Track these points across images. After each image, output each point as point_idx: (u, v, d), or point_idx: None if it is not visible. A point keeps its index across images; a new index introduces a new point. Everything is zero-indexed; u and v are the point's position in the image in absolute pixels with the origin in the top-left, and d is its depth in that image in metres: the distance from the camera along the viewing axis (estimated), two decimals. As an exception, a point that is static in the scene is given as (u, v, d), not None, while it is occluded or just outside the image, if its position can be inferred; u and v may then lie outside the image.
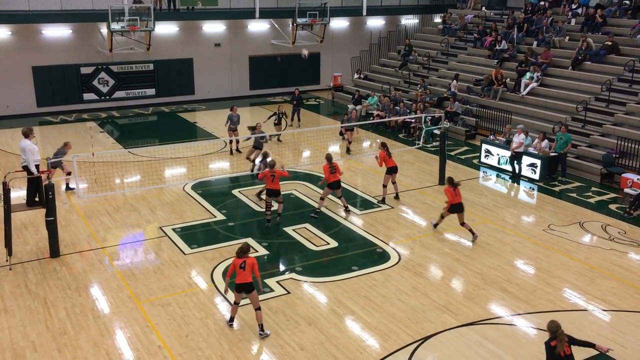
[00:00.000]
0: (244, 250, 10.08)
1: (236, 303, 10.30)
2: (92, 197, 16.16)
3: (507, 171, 18.84)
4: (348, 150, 20.82)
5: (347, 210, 15.43)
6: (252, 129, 19.20)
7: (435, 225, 14.47)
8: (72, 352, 9.71)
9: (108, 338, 10.11)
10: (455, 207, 13.81)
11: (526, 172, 18.40)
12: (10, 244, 12.48)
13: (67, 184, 16.87)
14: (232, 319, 10.44)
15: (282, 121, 22.44)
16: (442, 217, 14.30)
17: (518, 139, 18.48)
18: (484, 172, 19.24)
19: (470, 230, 13.90)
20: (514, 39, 25.80)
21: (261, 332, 10.13)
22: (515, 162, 18.44)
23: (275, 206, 14.84)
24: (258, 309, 10.14)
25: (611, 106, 20.56)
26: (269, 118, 22.48)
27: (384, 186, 16.16)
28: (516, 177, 18.41)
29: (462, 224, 13.93)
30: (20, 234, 14.02)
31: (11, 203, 12.61)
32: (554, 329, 7.97)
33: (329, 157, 14.99)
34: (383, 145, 16.07)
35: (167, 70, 28.32)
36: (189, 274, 12.31)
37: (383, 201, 16.15)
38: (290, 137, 22.72)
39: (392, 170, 16.04)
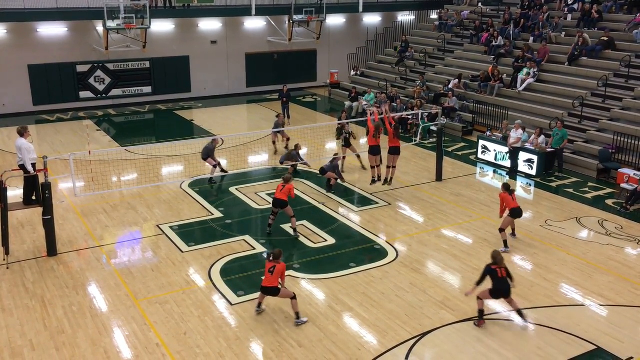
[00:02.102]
0: (276, 256, 10.34)
1: (260, 303, 10.66)
2: (89, 196, 16.14)
3: (505, 167, 18.86)
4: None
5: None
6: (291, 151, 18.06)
7: (506, 243, 13.28)
8: (70, 351, 9.71)
9: (106, 336, 10.11)
10: (516, 212, 13.25)
11: (523, 167, 18.43)
12: (7, 242, 12.47)
13: None
14: (259, 305, 10.71)
15: (351, 141, 18.70)
16: (503, 230, 13.29)
17: (516, 134, 18.52)
18: (481, 168, 19.26)
19: (505, 242, 13.29)
20: (510, 34, 25.81)
21: (297, 320, 10.42)
22: (513, 157, 18.52)
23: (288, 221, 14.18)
24: (293, 297, 10.43)
25: (607, 101, 20.60)
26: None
27: (388, 167, 15.94)
28: (514, 173, 18.45)
29: (513, 232, 13.74)
30: (17, 233, 13.99)
31: (8, 202, 12.59)
32: (496, 256, 10.27)
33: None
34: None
35: (164, 68, 28.27)
36: (187, 272, 12.31)
37: (385, 181, 15.93)
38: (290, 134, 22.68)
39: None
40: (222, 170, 17.70)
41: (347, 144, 18.52)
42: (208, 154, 17.34)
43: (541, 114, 21.43)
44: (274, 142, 20.62)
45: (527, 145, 18.56)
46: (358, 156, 18.83)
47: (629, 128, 18.61)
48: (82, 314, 10.78)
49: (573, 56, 22.76)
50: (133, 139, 22.72)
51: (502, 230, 13.31)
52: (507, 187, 13.47)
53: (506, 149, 18.78)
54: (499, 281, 10.13)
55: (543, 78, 22.95)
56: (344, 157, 18.48)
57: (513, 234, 13.89)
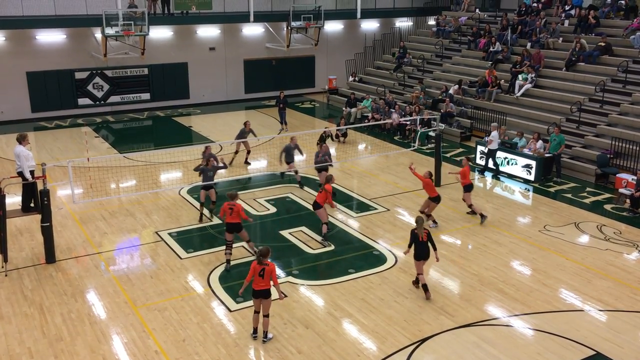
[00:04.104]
0: (263, 254, 9.80)
1: (257, 312, 10.12)
2: (88, 202, 16.12)
3: (503, 172, 18.90)
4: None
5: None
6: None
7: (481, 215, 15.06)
8: (69, 358, 9.68)
9: (105, 344, 10.08)
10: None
11: (521, 173, 18.46)
12: (5, 250, 12.44)
13: None
14: (255, 330, 10.22)
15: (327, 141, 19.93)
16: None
17: (491, 136, 18.99)
18: (479, 173, 19.27)
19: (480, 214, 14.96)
20: (507, 40, 25.89)
21: (264, 339, 10.09)
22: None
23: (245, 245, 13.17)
24: (266, 315, 10.05)
25: (605, 107, 20.64)
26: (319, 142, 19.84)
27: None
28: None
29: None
30: (15, 240, 13.97)
31: (6, 209, 12.57)
32: (417, 220, 11.41)
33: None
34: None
35: (162, 75, 28.30)
36: (186, 279, 12.29)
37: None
38: (283, 140, 22.70)
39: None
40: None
41: (322, 141, 19.40)
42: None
43: (539, 119, 21.48)
44: (236, 152, 19.51)
45: (525, 151, 18.61)
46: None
47: (627, 133, 18.65)
48: (81, 321, 10.75)
49: (570, 62, 22.84)
50: (131, 145, 22.72)
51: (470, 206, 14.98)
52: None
53: (504, 154, 18.82)
54: (419, 244, 11.27)
55: (541, 83, 23.01)
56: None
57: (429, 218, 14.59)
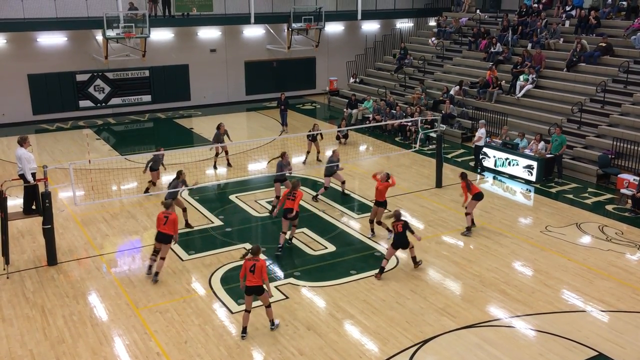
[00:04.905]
0: (254, 252, 10.01)
1: (247, 311, 10.17)
2: (89, 205, 16.13)
3: (505, 173, 18.90)
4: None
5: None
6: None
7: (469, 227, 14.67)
8: (71, 360, 9.69)
9: (106, 346, 10.08)
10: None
11: (523, 174, 18.45)
12: (7, 252, 12.46)
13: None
14: (244, 330, 10.27)
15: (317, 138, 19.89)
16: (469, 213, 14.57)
17: (478, 133, 19.10)
18: (480, 174, 19.26)
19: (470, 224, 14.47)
20: (508, 41, 25.89)
21: (272, 327, 10.39)
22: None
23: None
24: (268, 306, 10.31)
25: (606, 107, 20.63)
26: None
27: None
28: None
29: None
30: (17, 243, 13.98)
31: (8, 211, 12.58)
32: (394, 214, 12.41)
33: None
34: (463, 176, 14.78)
35: (163, 77, 28.34)
36: (187, 280, 12.29)
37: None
38: (284, 142, 22.73)
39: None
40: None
41: (313, 139, 19.65)
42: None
43: (540, 120, 21.47)
44: (217, 154, 19.48)
45: (527, 152, 18.60)
46: (318, 152, 20.09)
47: (628, 133, 18.63)
48: (83, 323, 10.75)
49: (571, 62, 22.82)
50: (133, 147, 22.74)
51: (467, 214, 14.50)
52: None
53: (506, 155, 18.82)
54: (397, 235, 12.22)
55: (542, 84, 23.00)
56: (308, 152, 19.90)
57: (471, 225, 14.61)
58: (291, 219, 13.27)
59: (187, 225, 14.78)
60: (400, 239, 12.17)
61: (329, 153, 17.41)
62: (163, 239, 12.03)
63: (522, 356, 9.76)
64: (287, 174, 16.06)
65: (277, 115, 25.11)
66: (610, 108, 20.50)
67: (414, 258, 12.67)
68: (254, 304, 11.16)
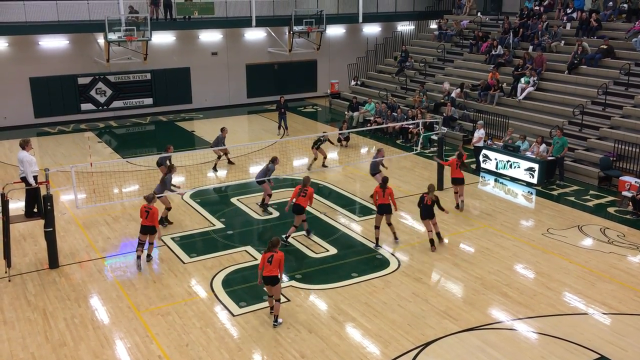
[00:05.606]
0: (273, 244, 10.46)
1: (270, 296, 10.68)
2: (91, 207, 16.14)
3: (506, 176, 18.89)
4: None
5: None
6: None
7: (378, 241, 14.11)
8: (72, 363, 9.69)
9: (108, 348, 10.08)
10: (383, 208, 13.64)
11: (524, 176, 18.44)
12: (9, 255, 12.45)
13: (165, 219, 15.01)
14: (276, 318, 10.67)
15: (322, 146, 19.90)
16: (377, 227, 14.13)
17: (477, 133, 19.15)
18: (482, 176, 19.26)
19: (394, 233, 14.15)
20: (509, 43, 25.90)
21: (275, 323, 10.59)
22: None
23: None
24: (278, 300, 10.56)
25: (608, 109, 20.62)
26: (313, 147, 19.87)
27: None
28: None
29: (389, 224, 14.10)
30: (19, 245, 13.99)
31: (10, 214, 12.59)
32: (429, 186, 13.54)
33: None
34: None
35: (165, 80, 28.37)
36: (189, 283, 12.29)
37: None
38: (284, 144, 22.73)
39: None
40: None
41: (317, 146, 19.68)
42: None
43: (541, 122, 21.46)
44: (219, 157, 19.62)
45: (528, 154, 18.60)
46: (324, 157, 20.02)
47: (630, 136, 18.62)
48: (84, 326, 10.76)
49: (573, 64, 22.82)
50: (134, 150, 22.75)
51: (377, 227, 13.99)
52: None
53: (507, 157, 18.82)
54: (424, 207, 13.37)
55: (543, 86, 23.00)
56: (314, 159, 19.81)
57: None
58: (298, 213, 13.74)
59: (165, 219, 14.96)
60: (427, 211, 13.38)
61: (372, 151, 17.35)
62: (147, 230, 12.72)
63: (524, 359, 9.75)
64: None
65: (277, 118, 25.10)
66: (612, 110, 20.49)
67: (438, 234, 13.69)
68: (258, 305, 11.26)
